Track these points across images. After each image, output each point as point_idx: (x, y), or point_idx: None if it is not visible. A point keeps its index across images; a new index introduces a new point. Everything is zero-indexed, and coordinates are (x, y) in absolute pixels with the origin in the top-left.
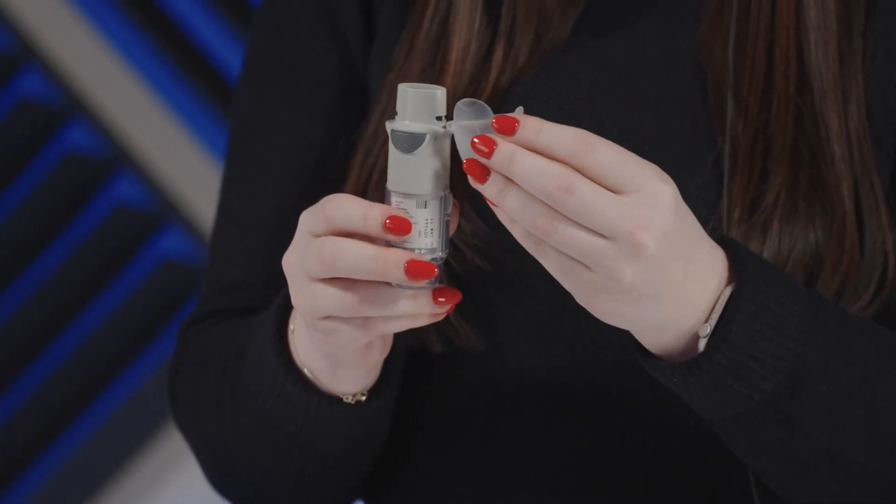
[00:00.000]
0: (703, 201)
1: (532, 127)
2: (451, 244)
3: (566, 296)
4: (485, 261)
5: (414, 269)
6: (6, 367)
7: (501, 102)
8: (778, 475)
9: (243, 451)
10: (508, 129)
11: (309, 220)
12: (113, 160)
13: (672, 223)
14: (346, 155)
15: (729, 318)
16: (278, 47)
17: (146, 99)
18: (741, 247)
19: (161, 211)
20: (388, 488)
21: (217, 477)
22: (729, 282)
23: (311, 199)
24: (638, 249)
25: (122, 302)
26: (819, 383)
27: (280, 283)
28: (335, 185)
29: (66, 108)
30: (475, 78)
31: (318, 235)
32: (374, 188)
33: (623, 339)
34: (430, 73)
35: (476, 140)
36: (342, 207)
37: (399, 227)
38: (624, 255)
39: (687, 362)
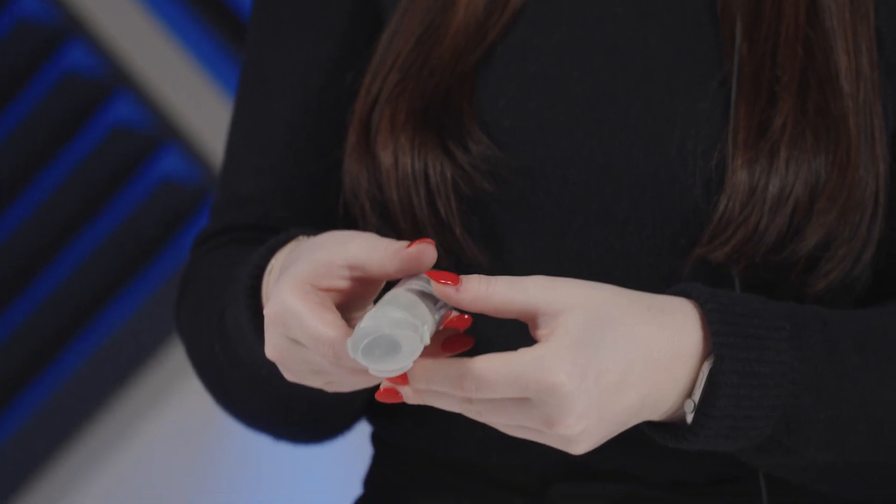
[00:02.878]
0: (709, 123)
1: (420, 380)
2: (460, 167)
3: (574, 213)
4: (492, 182)
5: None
6: (5, 287)
7: (514, 23)
8: (789, 478)
9: (242, 398)
10: (402, 383)
11: (313, 342)
12: (110, 81)
13: (584, 401)
14: (357, 75)
15: (711, 394)
16: None
17: (143, 19)
18: (708, 297)
19: (160, 132)
20: (391, 411)
21: (217, 398)
22: (704, 354)
23: (320, 117)
24: (568, 438)
25: (121, 222)
26: (816, 414)
27: (286, 198)
28: (343, 105)
29: (63, 27)
30: (489, 6)
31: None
32: (380, 112)
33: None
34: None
35: (388, 382)
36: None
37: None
38: (561, 442)
39: (675, 434)
